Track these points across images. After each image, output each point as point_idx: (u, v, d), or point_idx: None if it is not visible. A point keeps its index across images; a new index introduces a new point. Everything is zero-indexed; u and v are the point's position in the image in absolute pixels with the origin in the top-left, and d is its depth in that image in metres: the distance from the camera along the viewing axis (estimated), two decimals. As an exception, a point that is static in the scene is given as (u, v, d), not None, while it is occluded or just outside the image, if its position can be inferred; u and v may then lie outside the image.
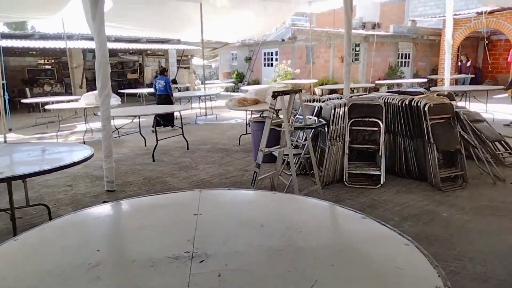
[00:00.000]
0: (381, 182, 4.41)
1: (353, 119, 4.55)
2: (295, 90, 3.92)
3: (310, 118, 4.70)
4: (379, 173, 4.45)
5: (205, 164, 5.80)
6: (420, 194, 4.14)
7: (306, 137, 4.80)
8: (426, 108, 4.31)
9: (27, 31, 16.96)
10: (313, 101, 5.42)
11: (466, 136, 4.56)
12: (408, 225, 3.40)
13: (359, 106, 4.57)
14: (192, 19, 11.38)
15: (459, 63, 15.68)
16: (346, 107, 4.55)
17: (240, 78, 21.37)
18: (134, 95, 14.81)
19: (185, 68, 21.24)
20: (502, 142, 5.29)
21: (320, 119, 4.61)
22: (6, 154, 2.93)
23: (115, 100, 8.62)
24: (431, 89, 9.72)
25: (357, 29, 17.71)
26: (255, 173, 3.90)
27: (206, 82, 21.84)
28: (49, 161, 2.75)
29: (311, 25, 15.06)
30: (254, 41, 20.14)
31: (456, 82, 14.31)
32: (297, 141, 4.87)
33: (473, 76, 15.12)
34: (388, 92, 5.69)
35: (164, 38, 17.30)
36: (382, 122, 4.49)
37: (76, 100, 9.28)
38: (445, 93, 6.05)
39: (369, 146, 4.57)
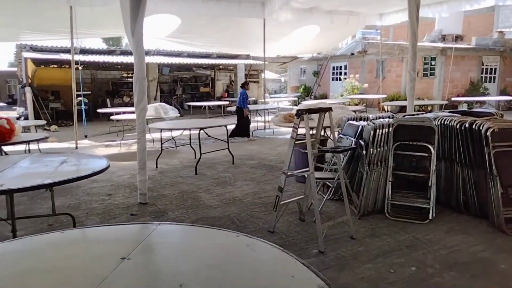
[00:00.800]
0: (430, 217, 3.78)
1: (399, 142, 4.01)
2: (325, 108, 3.56)
3: (348, 139, 4.27)
4: (427, 206, 3.83)
5: (244, 181, 5.61)
6: (476, 236, 3.45)
7: (345, 160, 4.38)
8: (488, 133, 3.62)
9: (122, 47, 18.61)
10: (360, 119, 4.94)
11: (543, 169, 3.72)
12: (450, 276, 2.80)
13: (407, 128, 4.01)
14: (257, 35, 11.47)
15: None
16: (390, 128, 4.03)
17: (307, 92, 21.03)
18: (200, 107, 15.35)
19: (254, 82, 21.58)
20: None
21: (360, 141, 4.14)
22: (26, 164, 3.05)
23: (173, 112, 8.94)
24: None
25: (435, 42, 16.35)
26: (277, 197, 3.61)
27: (272, 96, 22.02)
28: (58, 174, 2.77)
29: (381, 38, 14.20)
30: (323, 55, 19.72)
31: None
32: (335, 163, 4.44)
33: None
34: (450, 111, 4.97)
35: (234, 54, 17.77)
36: (433, 147, 3.88)
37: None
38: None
39: (416, 174, 3.98)
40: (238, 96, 9.94)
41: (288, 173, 3.57)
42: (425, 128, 3.96)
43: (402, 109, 12.16)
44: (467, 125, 3.90)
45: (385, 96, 14.37)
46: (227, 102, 15.02)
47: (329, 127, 6.34)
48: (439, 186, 4.17)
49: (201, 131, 6.60)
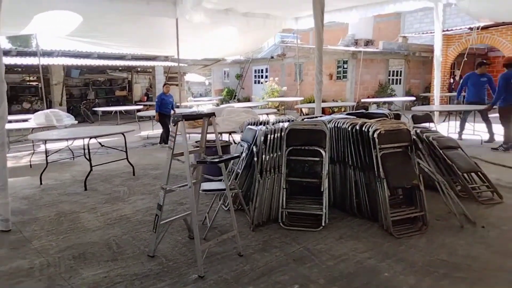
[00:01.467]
0: (323, 224, 3.64)
1: (292, 147, 3.82)
2: (208, 114, 3.22)
3: (242, 146, 3.99)
4: (321, 212, 3.68)
5: (140, 195, 5.07)
6: (365, 242, 3.35)
7: (243, 167, 4.10)
8: (375, 135, 3.57)
9: (32, 48, 16.47)
10: (260, 123, 4.71)
11: (426, 169, 3.79)
12: (332, 291, 2.61)
13: (299, 132, 3.84)
14: (172, 35, 10.87)
15: (452, 80, 14.90)
16: (283, 133, 3.82)
17: (231, 95, 20.83)
18: (110, 112, 14.22)
19: (176, 85, 20.76)
20: (478, 173, 4.51)
21: (253, 147, 3.88)
22: None
23: (69, 119, 8.00)
24: (412, 108, 9.00)
25: (349, 46, 17.17)
26: (157, 217, 3.19)
27: (196, 99, 21.39)
28: None
29: (298, 42, 14.49)
30: (245, 58, 19.67)
31: (450, 100, 13.53)
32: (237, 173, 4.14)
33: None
34: (348, 114, 4.97)
35: (152, 55, 16.86)
36: (324, 151, 3.75)
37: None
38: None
39: (310, 180, 3.82)
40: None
41: (167, 188, 3.16)
42: (317, 131, 3.83)
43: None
44: (357, 128, 3.84)
45: (302, 98, 14.65)
46: (141, 107, 14.07)
47: (234, 132, 6.12)
48: (335, 190, 4.08)
49: (97, 140, 5.91)
